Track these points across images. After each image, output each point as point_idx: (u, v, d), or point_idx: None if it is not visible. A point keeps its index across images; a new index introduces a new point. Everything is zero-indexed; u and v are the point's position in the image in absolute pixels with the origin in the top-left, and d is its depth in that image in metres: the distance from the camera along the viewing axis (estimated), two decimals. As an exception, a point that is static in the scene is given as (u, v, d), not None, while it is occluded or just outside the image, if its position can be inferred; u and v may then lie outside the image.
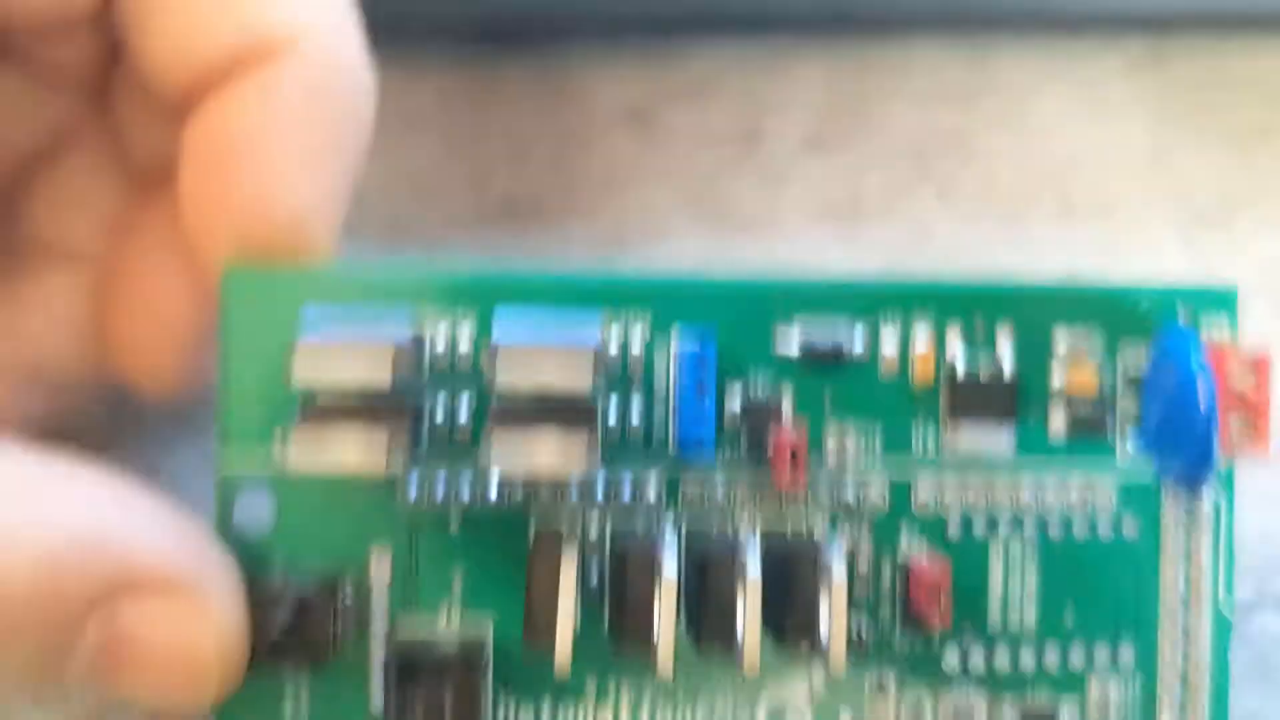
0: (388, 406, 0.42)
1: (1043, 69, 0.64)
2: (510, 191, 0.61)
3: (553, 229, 0.61)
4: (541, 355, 0.41)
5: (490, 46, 0.64)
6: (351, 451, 0.41)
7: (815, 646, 0.41)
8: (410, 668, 0.43)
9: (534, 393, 0.41)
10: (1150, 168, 0.62)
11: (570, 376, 0.40)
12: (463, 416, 0.44)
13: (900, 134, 0.62)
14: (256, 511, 0.44)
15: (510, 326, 0.43)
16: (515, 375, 0.41)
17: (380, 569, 0.44)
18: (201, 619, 0.40)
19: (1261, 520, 0.55)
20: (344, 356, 0.41)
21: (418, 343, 0.43)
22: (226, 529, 0.44)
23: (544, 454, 0.41)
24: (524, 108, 0.63)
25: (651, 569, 0.41)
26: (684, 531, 0.45)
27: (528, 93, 0.64)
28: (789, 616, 0.42)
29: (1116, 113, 0.63)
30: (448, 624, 0.44)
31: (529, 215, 0.60)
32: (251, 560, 0.43)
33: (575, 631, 0.43)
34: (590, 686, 0.45)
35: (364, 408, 0.42)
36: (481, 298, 0.44)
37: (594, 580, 0.45)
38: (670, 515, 0.45)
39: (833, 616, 0.41)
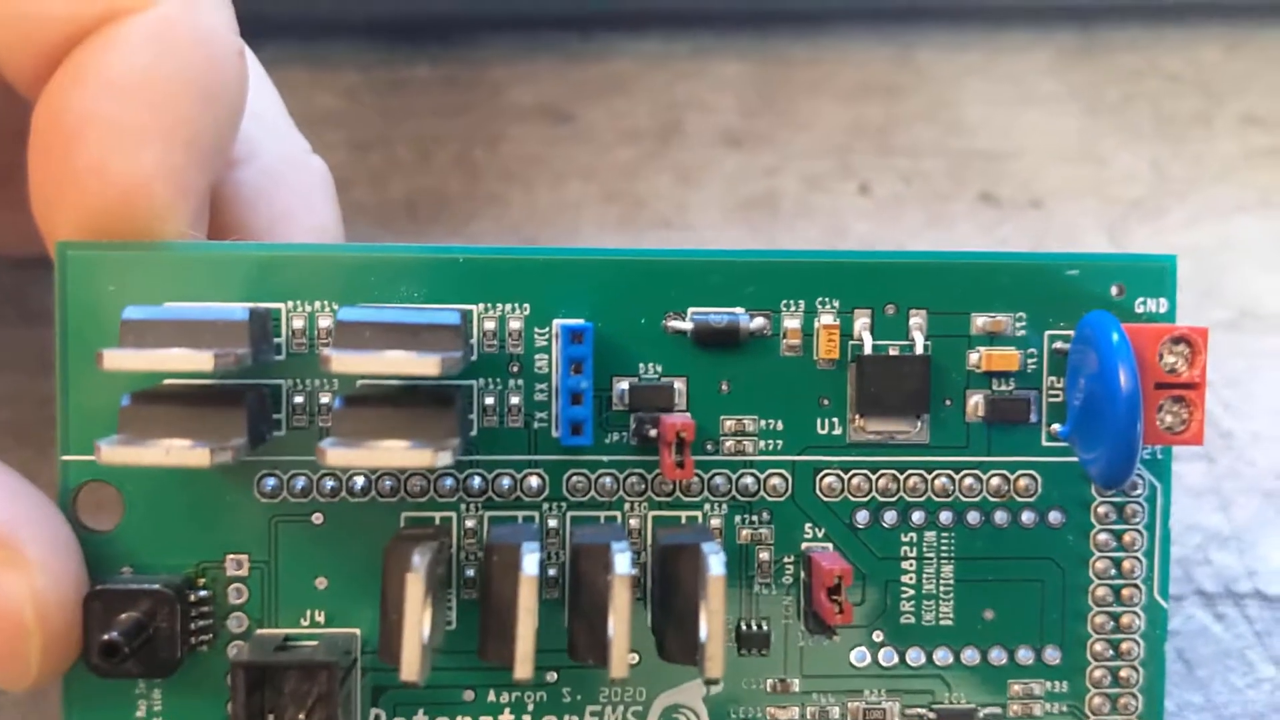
0: (224, 393, 0.37)
1: (968, 62, 0.61)
2: (414, 191, 0.57)
3: (457, 228, 0.56)
4: (387, 333, 0.35)
5: (400, 44, 0.60)
6: (177, 442, 0.35)
7: (693, 649, 0.36)
8: (262, 675, 0.37)
9: (380, 376, 0.37)
10: (1079, 160, 0.59)
11: (421, 359, 0.35)
12: (323, 402, 0.40)
13: (822, 129, 0.59)
14: (101, 505, 0.39)
15: (362, 306, 0.38)
16: (356, 358, 0.35)
17: (237, 568, 0.39)
18: (19, 578, 0.36)
19: (1186, 510, 0.53)
20: (168, 338, 0.35)
21: (260, 326, 0.38)
22: (71, 522, 0.39)
23: (393, 446, 0.35)
24: (433, 106, 0.59)
25: (515, 566, 0.35)
26: (567, 525, 0.39)
27: (438, 91, 0.61)
28: (669, 617, 0.37)
29: (1045, 105, 0.60)
30: (312, 626, 0.39)
31: (432, 215, 0.56)
32: (95, 558, 0.39)
33: (438, 641, 0.39)
34: (468, 695, 0.40)
35: (197, 394, 0.37)
36: (335, 277, 0.39)
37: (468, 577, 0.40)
38: (550, 507, 0.40)
39: (710, 616, 0.35)
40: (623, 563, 0.35)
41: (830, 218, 0.57)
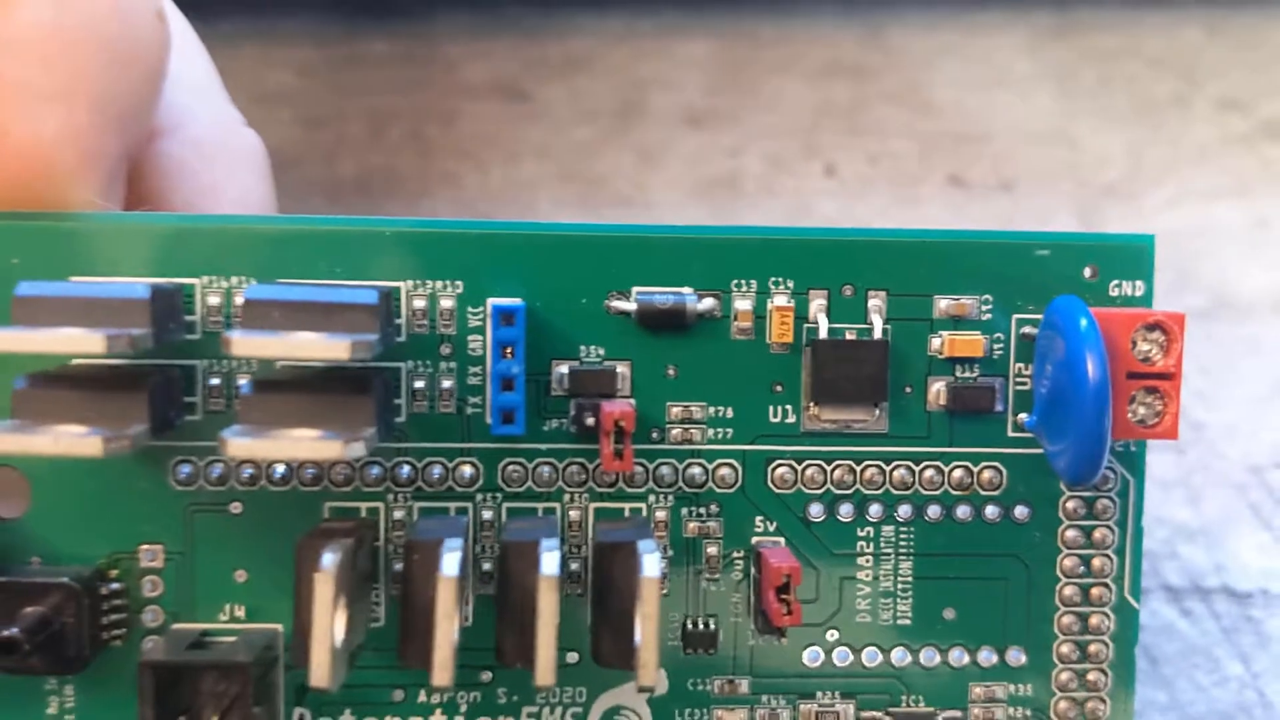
0: (127, 376, 0.34)
1: (940, 42, 0.58)
2: (366, 168, 0.53)
3: (409, 206, 0.52)
4: (298, 313, 0.32)
5: (355, 19, 0.57)
6: (69, 429, 0.32)
7: (628, 653, 0.32)
8: (175, 674, 0.34)
9: (286, 360, 0.33)
10: (1052, 142, 0.56)
11: (331, 342, 0.31)
12: (241, 384, 0.35)
13: (787, 109, 0.56)
14: (8, 491, 0.36)
15: (273, 283, 0.34)
16: (260, 340, 0.32)
17: (151, 559, 0.36)
18: None
19: (1154, 503, 0.50)
20: (62, 316, 0.32)
21: (166, 304, 0.34)
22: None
23: (301, 436, 0.32)
24: (387, 82, 0.56)
25: (434, 565, 0.31)
26: (503, 517, 0.37)
27: (392, 67, 0.58)
28: (604, 618, 0.34)
29: (1018, 86, 0.57)
30: (231, 621, 0.36)
31: (384, 193, 0.53)
32: (3, 547, 0.36)
33: (358, 640, 0.35)
34: (398, 695, 0.37)
35: (99, 377, 0.34)
36: (252, 251, 0.36)
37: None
38: (485, 498, 0.37)
39: (644, 620, 0.32)
40: (550, 562, 0.32)
41: (794, 199, 0.54)
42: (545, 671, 0.32)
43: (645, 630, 0.32)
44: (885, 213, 0.54)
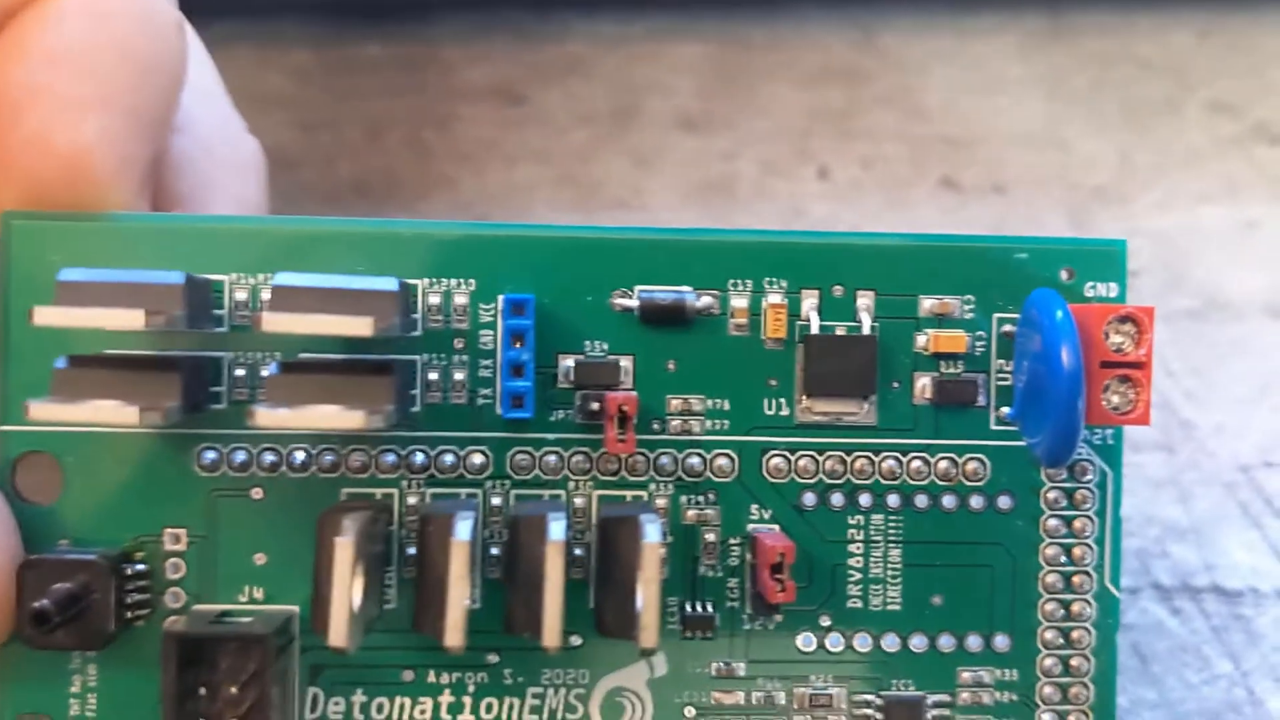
0: (160, 360, 0.39)
1: (933, 47, 0.62)
2: (363, 172, 0.57)
3: (407, 210, 0.57)
4: (323, 298, 0.37)
5: (351, 23, 0.61)
6: (106, 401, 0.36)
7: (630, 621, 0.37)
8: (197, 648, 0.38)
9: (312, 335, 0.38)
10: (1044, 146, 0.60)
11: (354, 319, 0.36)
12: (265, 375, 0.41)
13: (781, 114, 0.60)
14: (42, 478, 0.41)
15: (299, 273, 0.39)
16: (288, 318, 0.37)
17: (175, 542, 0.40)
18: None
19: (1144, 502, 0.54)
20: (102, 298, 0.36)
21: (199, 293, 0.39)
22: (8, 494, 0.40)
23: (325, 409, 0.36)
24: (383, 86, 0.60)
25: (448, 534, 0.36)
26: (510, 504, 0.41)
27: (388, 71, 0.62)
28: (607, 589, 0.39)
29: (1010, 90, 0.61)
30: (249, 603, 0.41)
31: (382, 195, 0.57)
32: (34, 531, 0.40)
33: (371, 614, 0.40)
34: (408, 675, 0.41)
35: (134, 361, 0.39)
36: (279, 250, 0.41)
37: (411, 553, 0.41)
38: (494, 485, 0.42)
39: (645, 584, 0.36)
40: (557, 530, 0.36)
41: (788, 202, 0.58)
42: (552, 633, 0.36)
43: (647, 594, 0.36)
44: (878, 215, 0.57)
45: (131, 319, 0.35)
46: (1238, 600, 0.52)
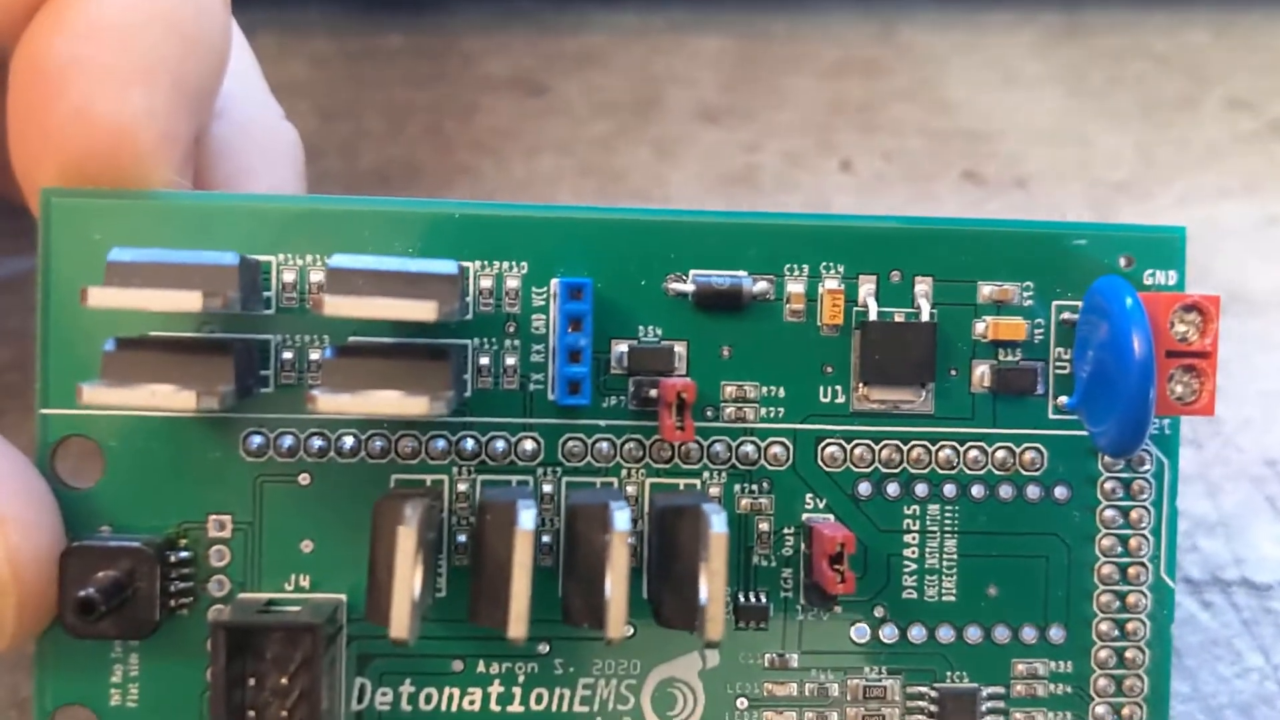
0: (211, 343, 0.37)
1: (952, 42, 0.61)
2: (384, 161, 0.56)
3: (430, 197, 0.55)
4: (381, 281, 0.35)
5: (372, 12, 0.60)
6: (162, 386, 0.34)
7: (692, 612, 0.35)
8: (244, 637, 0.36)
9: (373, 322, 0.36)
10: (1064, 142, 0.59)
11: (419, 303, 0.34)
12: (313, 359, 0.39)
13: (803, 106, 0.58)
14: (82, 462, 0.38)
15: (354, 255, 0.36)
16: (350, 301, 0.34)
17: (220, 529, 0.38)
18: None
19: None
20: (155, 280, 0.34)
21: (250, 274, 0.37)
22: (49, 478, 0.38)
23: (387, 395, 0.34)
24: (404, 76, 0.58)
25: (510, 522, 0.34)
26: (562, 491, 0.39)
27: (409, 60, 0.60)
28: (666, 580, 0.37)
29: (1029, 85, 0.60)
30: (296, 591, 0.38)
31: (403, 185, 0.55)
32: (74, 516, 0.38)
33: (428, 604, 0.38)
34: (457, 665, 0.39)
35: (184, 343, 0.37)
36: (327, 230, 0.39)
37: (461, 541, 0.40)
38: (545, 472, 0.40)
39: (711, 576, 0.34)
40: (622, 519, 0.34)
41: (812, 194, 0.57)
42: (616, 625, 0.34)
43: (713, 586, 0.34)
44: (903, 208, 0.56)
45: (188, 301, 0.33)
46: (1267, 593, 0.51)
